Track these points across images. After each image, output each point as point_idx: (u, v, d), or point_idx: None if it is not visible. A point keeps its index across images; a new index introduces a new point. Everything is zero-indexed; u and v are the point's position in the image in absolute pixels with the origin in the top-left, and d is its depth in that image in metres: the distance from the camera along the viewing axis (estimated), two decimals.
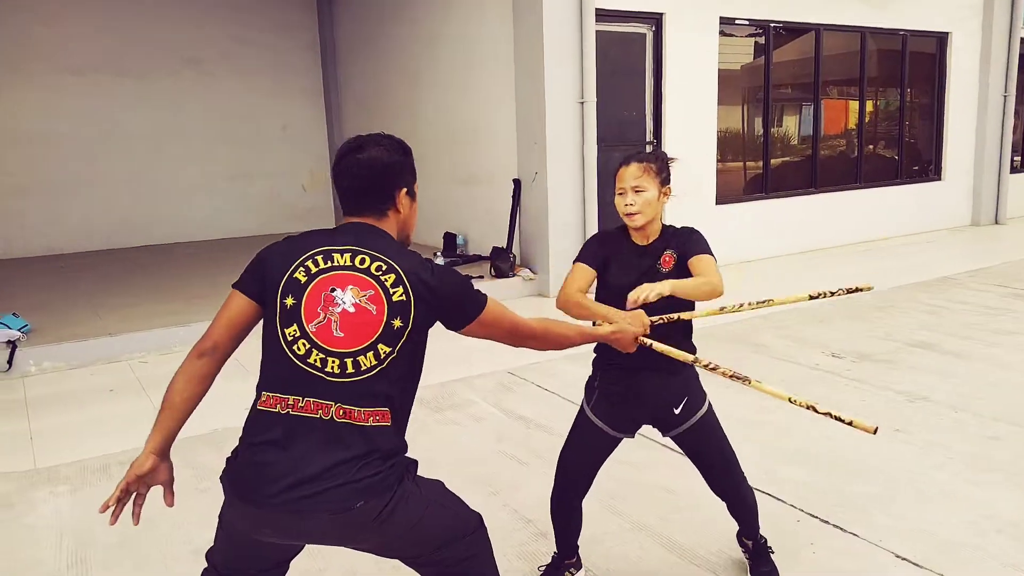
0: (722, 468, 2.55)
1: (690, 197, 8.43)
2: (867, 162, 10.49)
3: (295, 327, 1.79)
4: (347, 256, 1.84)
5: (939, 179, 11.11)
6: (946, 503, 3.22)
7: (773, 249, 9.25)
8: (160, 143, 10.75)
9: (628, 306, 2.23)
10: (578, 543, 2.68)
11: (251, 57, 11.27)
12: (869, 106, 10.50)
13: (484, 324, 1.94)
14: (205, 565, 1.96)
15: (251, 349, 1.90)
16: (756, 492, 2.72)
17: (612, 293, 2.41)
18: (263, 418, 1.79)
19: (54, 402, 4.84)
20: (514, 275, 7.62)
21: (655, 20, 8.02)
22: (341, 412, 1.75)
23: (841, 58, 10.04)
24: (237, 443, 1.83)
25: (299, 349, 1.77)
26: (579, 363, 3.00)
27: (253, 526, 1.77)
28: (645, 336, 2.26)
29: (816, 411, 2.07)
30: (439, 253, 8.37)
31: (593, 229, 7.33)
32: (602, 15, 7.45)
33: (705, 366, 2.22)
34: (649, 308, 2.24)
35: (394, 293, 1.81)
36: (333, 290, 1.80)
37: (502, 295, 7.22)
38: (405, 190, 1.97)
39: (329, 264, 1.83)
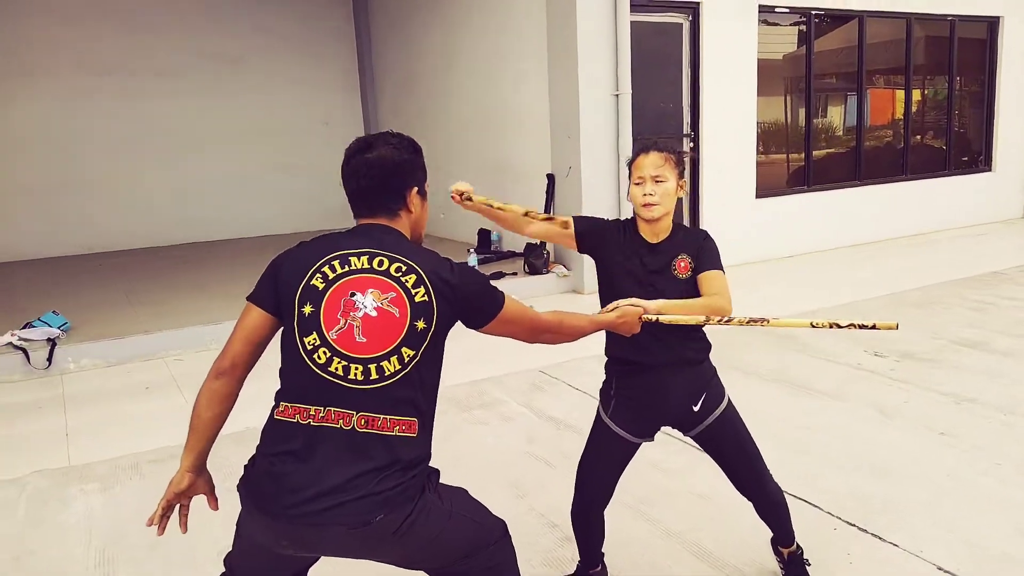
0: (746, 466, 2.45)
1: (729, 191, 8.31)
2: (914, 153, 10.18)
3: (315, 335, 1.76)
4: (364, 259, 1.81)
5: (990, 170, 10.74)
6: (993, 512, 3.07)
7: (815, 244, 9.04)
8: (195, 140, 10.83)
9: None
10: (603, 550, 2.62)
11: (284, 50, 11.27)
12: (916, 95, 10.17)
13: (503, 321, 1.93)
14: (223, 570, 1.95)
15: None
16: (792, 498, 2.62)
17: (614, 289, 2.33)
18: (282, 428, 1.76)
19: (91, 399, 4.91)
20: (548, 272, 7.56)
21: (692, 9, 7.85)
22: (363, 421, 1.72)
23: (887, 46, 9.74)
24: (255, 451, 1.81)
25: (319, 358, 1.74)
26: None
27: (271, 538, 1.75)
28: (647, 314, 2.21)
29: (839, 327, 2.06)
30: (472, 249, 8.33)
31: None
32: (637, 4, 7.30)
33: (718, 322, 2.17)
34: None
35: (416, 294, 1.78)
36: (353, 295, 1.77)
37: (535, 292, 7.17)
38: (416, 189, 1.94)
39: (347, 268, 1.80)
